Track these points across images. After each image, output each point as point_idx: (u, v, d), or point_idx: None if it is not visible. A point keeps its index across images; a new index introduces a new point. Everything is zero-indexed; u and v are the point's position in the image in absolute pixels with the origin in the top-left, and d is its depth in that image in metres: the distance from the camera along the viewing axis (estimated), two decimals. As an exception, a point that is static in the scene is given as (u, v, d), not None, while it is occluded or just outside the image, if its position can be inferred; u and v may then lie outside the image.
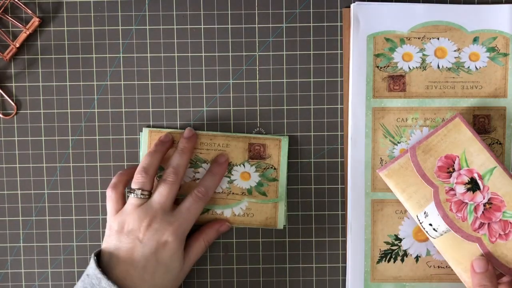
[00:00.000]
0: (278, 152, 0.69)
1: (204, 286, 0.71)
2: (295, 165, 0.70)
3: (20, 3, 0.68)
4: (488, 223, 0.64)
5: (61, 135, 0.70)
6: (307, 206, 0.70)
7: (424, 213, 0.65)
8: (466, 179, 0.65)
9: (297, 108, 0.69)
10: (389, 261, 0.70)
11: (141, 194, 0.64)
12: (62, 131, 0.70)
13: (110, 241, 0.64)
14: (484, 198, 0.64)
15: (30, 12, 0.68)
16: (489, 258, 0.64)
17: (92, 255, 0.63)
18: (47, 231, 0.70)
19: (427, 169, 0.65)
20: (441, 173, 0.65)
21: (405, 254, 0.69)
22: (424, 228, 0.66)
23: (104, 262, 0.63)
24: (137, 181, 0.64)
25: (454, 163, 0.65)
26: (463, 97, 0.68)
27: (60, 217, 0.70)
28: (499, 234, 0.64)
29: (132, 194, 0.64)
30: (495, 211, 0.64)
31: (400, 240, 0.69)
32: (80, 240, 0.70)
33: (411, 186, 0.66)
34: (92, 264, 0.62)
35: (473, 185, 0.65)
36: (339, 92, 0.69)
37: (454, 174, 0.65)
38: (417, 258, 0.70)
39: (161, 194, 0.64)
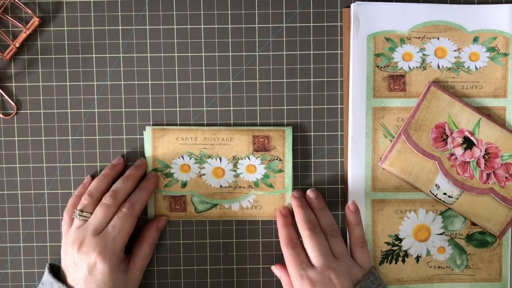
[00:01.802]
0: (283, 143, 0.69)
1: (204, 286, 0.71)
2: (295, 165, 0.70)
3: (20, 3, 0.68)
4: (493, 172, 0.67)
5: (61, 135, 0.70)
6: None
7: (436, 185, 0.68)
8: (460, 140, 0.67)
9: (297, 108, 0.69)
10: (390, 262, 0.70)
11: (79, 215, 0.65)
12: (62, 131, 0.70)
13: (62, 260, 0.65)
14: (481, 151, 0.67)
15: (30, 12, 0.68)
16: (505, 203, 0.67)
17: (47, 264, 0.66)
18: (47, 231, 0.70)
19: (424, 145, 0.67)
20: (438, 143, 0.67)
21: (406, 254, 0.70)
22: (440, 199, 0.68)
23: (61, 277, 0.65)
24: (80, 203, 0.66)
25: (445, 129, 0.67)
26: (463, 97, 0.68)
27: (60, 217, 0.70)
28: (505, 177, 0.67)
29: (75, 216, 0.65)
30: (494, 158, 0.67)
31: (401, 240, 0.69)
32: (80, 240, 0.71)
33: (416, 166, 0.67)
34: (46, 271, 0.65)
35: (468, 143, 0.67)
36: (339, 92, 0.69)
37: (449, 140, 0.67)
38: (417, 258, 0.70)
39: (95, 216, 0.64)
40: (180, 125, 0.70)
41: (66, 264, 0.64)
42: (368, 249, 0.67)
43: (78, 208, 0.65)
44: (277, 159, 0.69)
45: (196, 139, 0.69)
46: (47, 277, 0.64)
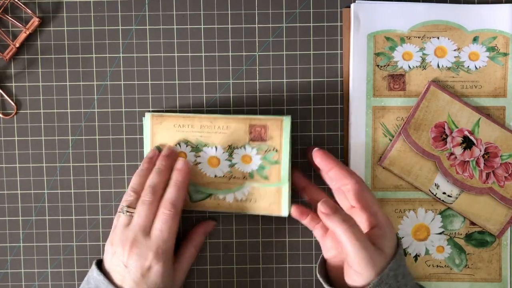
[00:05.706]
0: (280, 133, 0.67)
1: (204, 286, 0.71)
2: (296, 165, 0.70)
3: (20, 3, 0.68)
4: (493, 171, 0.68)
5: (61, 135, 0.70)
6: (307, 206, 0.70)
7: (435, 185, 0.68)
8: (459, 139, 0.68)
9: (297, 108, 0.69)
10: (388, 260, 0.70)
11: (127, 211, 0.63)
12: (62, 131, 0.70)
13: (106, 257, 0.63)
14: (481, 151, 0.68)
15: (30, 12, 0.68)
16: (504, 202, 0.68)
17: (94, 261, 0.64)
18: (47, 231, 0.70)
19: (424, 144, 0.68)
20: (437, 142, 0.68)
21: (404, 253, 0.70)
22: (439, 199, 0.68)
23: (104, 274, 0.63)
24: (125, 200, 0.64)
25: (444, 129, 0.68)
26: (462, 97, 0.68)
27: (60, 217, 0.70)
28: (505, 177, 0.68)
29: (121, 212, 0.64)
30: (493, 158, 0.68)
31: (399, 239, 0.70)
32: (80, 240, 0.71)
33: (415, 166, 0.68)
34: (95, 270, 0.62)
35: (467, 143, 0.68)
36: (339, 92, 0.69)
37: (449, 139, 0.68)
38: (416, 257, 0.70)
39: (140, 215, 0.63)
40: (179, 112, 0.70)
41: (113, 263, 0.62)
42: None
43: (124, 204, 0.64)
44: (273, 149, 0.68)
45: (193, 126, 0.68)
46: (98, 277, 0.62)
